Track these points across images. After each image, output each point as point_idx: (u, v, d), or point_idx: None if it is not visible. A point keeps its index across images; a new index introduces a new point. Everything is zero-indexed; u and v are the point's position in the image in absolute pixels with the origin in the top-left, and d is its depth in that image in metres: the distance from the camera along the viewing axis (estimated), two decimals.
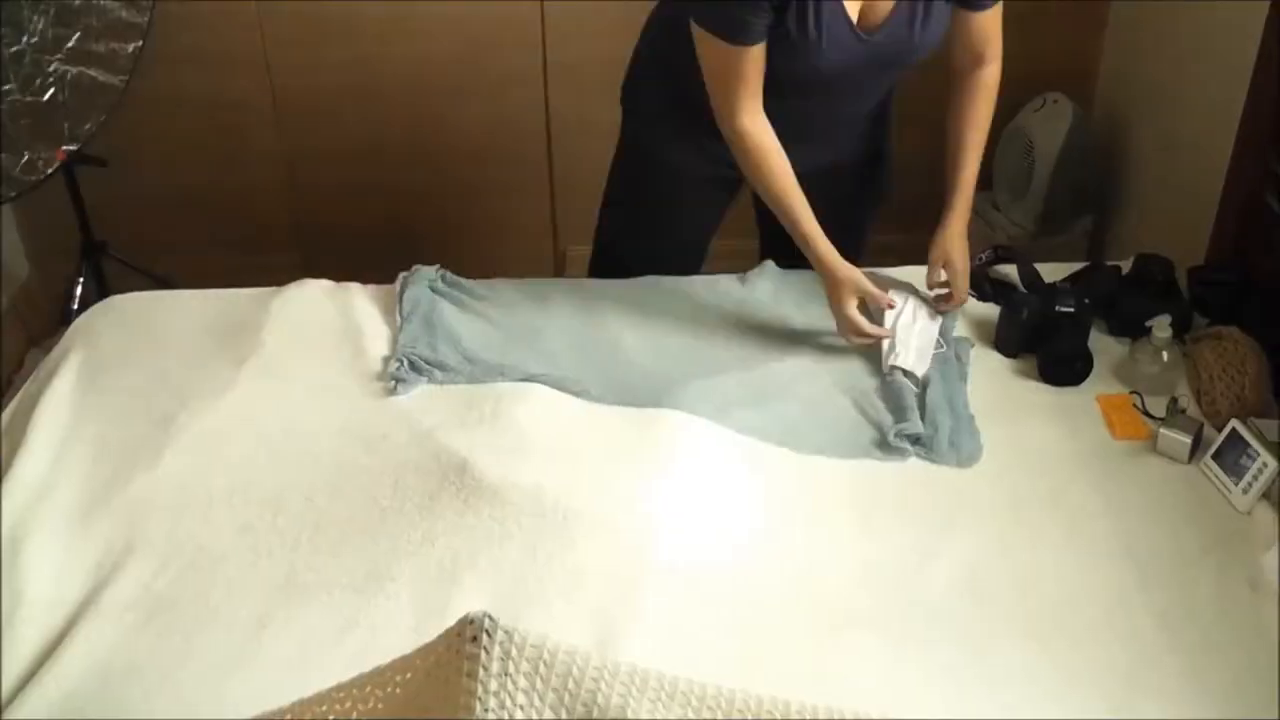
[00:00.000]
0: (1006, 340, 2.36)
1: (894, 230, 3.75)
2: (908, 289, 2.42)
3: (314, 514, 1.97)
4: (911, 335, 2.30)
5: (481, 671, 1.21)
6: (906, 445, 2.11)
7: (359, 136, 3.62)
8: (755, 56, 2.12)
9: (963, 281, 2.38)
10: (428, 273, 2.52)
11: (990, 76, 2.45)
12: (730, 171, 2.36)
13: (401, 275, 2.52)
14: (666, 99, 2.46)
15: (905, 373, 2.25)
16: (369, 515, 1.96)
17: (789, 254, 2.43)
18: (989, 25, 2.37)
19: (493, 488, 1.95)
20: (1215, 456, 2.05)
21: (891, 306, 2.34)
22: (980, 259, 2.58)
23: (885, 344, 2.29)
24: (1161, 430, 2.11)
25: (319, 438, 2.13)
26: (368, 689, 1.32)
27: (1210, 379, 2.18)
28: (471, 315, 2.44)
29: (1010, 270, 2.54)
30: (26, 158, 3.15)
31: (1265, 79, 2.54)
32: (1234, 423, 2.04)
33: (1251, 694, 1.67)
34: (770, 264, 2.58)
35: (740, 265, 2.63)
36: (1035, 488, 2.04)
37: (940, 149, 2.52)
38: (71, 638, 1.74)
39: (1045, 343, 2.30)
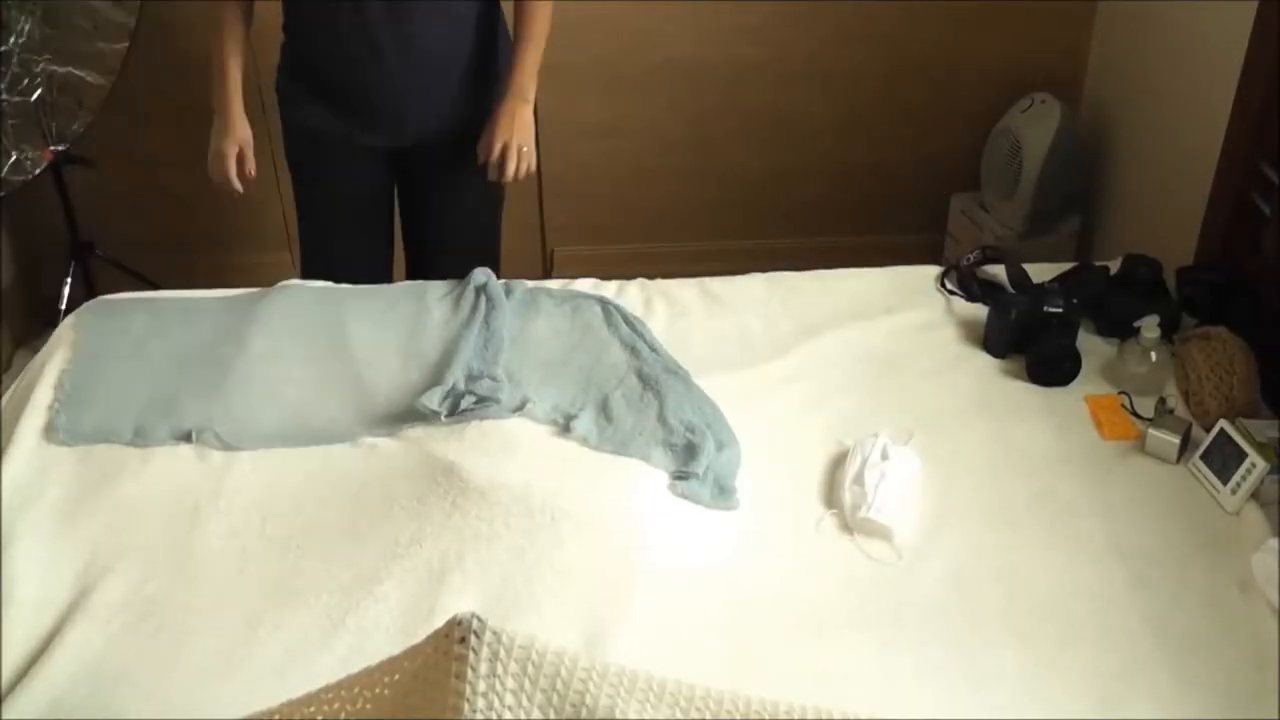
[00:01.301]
0: (995, 341, 2.36)
1: (846, 233, 3.78)
2: (872, 436, 2.11)
3: (302, 519, 1.96)
4: (881, 483, 1.98)
5: (470, 672, 1.21)
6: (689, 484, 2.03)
7: None
8: None
9: (511, 156, 2.48)
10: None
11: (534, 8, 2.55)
12: (370, 138, 2.61)
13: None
14: (289, 66, 2.68)
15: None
16: (357, 519, 1.95)
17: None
18: None
19: (480, 489, 1.95)
20: (1204, 457, 2.05)
21: None
22: (968, 259, 2.58)
23: (849, 494, 2.00)
24: (1150, 430, 2.11)
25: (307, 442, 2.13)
26: (356, 690, 1.31)
27: (1199, 379, 2.18)
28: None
29: (998, 271, 2.55)
30: (14, 158, 3.14)
31: (1253, 79, 2.54)
32: (1222, 423, 2.04)
33: (1240, 694, 1.67)
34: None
35: (723, 268, 2.64)
36: (1024, 488, 2.04)
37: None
38: (60, 641, 1.74)
39: (1033, 343, 2.30)
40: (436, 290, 2.48)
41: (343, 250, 2.77)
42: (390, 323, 2.38)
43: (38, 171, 3.19)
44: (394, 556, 1.87)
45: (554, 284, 2.56)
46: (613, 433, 2.10)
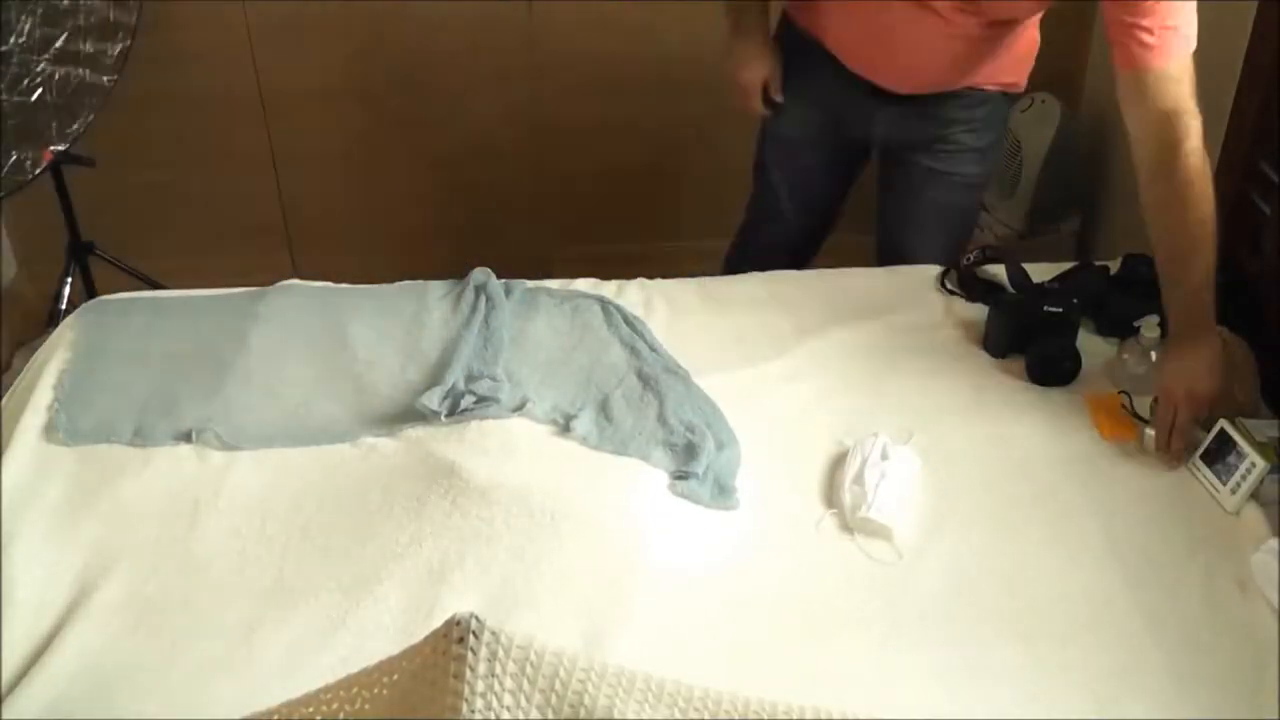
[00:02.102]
0: (994, 341, 2.36)
1: (846, 233, 3.78)
2: (872, 436, 2.11)
3: (302, 519, 1.96)
4: (882, 482, 1.99)
5: (468, 672, 1.21)
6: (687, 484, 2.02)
7: (347, 136, 3.62)
8: None
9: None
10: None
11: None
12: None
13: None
14: None
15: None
16: (357, 519, 1.95)
17: None
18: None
19: (480, 489, 1.95)
20: (1203, 457, 2.05)
21: None
22: (968, 259, 2.58)
23: (849, 494, 2.00)
24: (1150, 430, 2.11)
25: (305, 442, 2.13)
26: (354, 690, 1.31)
27: None
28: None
29: (998, 270, 2.54)
30: (14, 158, 3.14)
31: (1252, 79, 2.54)
32: (1222, 423, 2.04)
33: (1239, 694, 1.67)
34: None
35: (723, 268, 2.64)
36: (1023, 488, 2.04)
37: None
38: (60, 641, 1.74)
39: (1033, 343, 2.30)
40: (436, 290, 2.49)
41: None
42: (390, 323, 2.38)
43: (38, 171, 3.19)
44: (394, 556, 1.87)
45: (554, 284, 2.56)
46: (613, 433, 2.10)
